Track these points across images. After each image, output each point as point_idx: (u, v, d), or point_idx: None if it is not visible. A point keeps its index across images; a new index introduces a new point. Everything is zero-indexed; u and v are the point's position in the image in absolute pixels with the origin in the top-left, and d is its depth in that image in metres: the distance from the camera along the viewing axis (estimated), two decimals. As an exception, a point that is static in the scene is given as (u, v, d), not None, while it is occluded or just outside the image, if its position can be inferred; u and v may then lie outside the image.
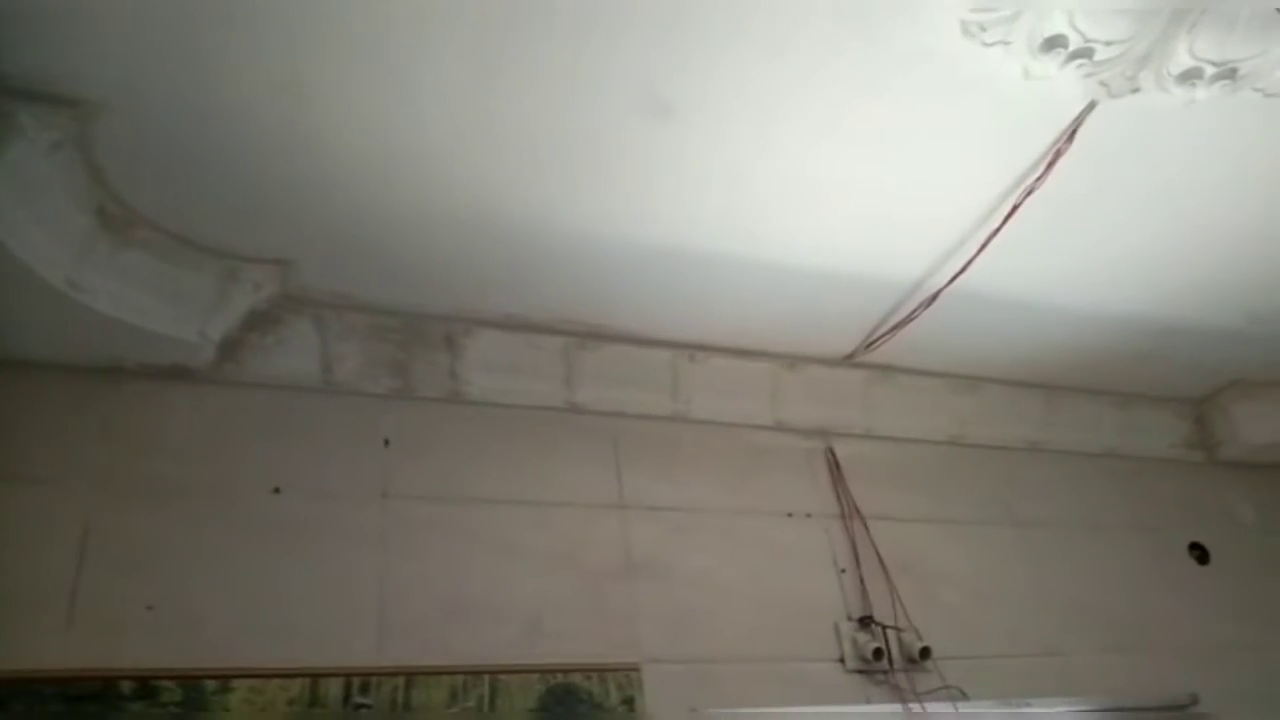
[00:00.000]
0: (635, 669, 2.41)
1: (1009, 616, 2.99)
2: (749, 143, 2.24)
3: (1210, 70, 2.12)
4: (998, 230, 2.53)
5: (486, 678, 2.31)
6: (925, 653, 2.71)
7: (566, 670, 2.35)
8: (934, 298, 2.79)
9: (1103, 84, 2.12)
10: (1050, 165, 2.33)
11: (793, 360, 3.11)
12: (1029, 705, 2.74)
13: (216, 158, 2.09)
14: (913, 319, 2.88)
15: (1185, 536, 3.46)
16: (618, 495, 2.79)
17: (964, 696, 2.67)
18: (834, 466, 3.10)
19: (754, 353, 3.07)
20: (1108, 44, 2.03)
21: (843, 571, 2.87)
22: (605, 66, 1.99)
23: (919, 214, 2.52)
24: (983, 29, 1.96)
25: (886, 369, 3.20)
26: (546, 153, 2.19)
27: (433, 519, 2.54)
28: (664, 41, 1.94)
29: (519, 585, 2.52)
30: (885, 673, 2.67)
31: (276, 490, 2.44)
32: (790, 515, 2.95)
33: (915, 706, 2.60)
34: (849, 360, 3.14)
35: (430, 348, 2.74)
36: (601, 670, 2.38)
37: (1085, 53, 2.04)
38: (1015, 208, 2.46)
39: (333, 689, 2.19)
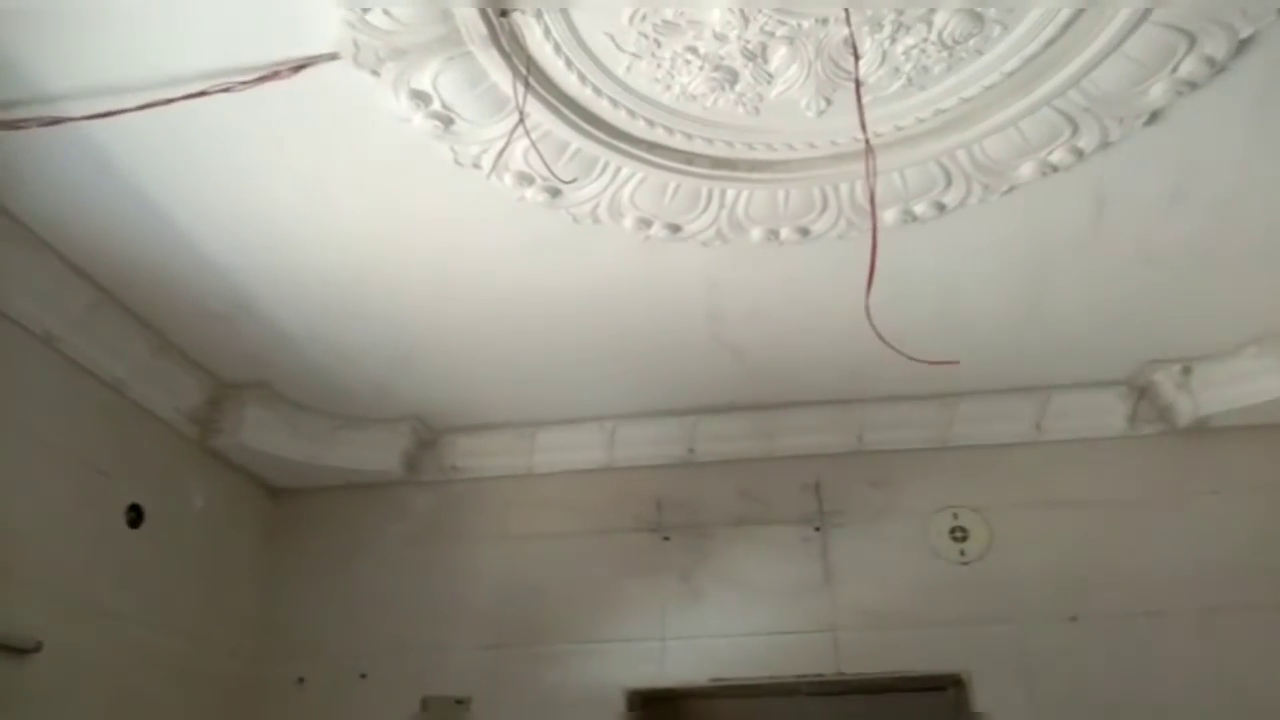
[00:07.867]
0: None
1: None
2: None
3: (539, 180, 2.45)
4: (155, 106, 2.25)
5: None
6: None
7: None
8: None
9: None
10: (261, 80, 2.20)
11: None
12: None
13: None
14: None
15: (131, 497, 3.38)
16: None
17: None
18: None
19: None
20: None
21: None
22: None
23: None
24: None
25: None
26: None
27: None
28: None
29: None
30: None
31: None
32: None
33: None
34: None
35: None
36: None
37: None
38: (195, 95, 2.23)
39: None
